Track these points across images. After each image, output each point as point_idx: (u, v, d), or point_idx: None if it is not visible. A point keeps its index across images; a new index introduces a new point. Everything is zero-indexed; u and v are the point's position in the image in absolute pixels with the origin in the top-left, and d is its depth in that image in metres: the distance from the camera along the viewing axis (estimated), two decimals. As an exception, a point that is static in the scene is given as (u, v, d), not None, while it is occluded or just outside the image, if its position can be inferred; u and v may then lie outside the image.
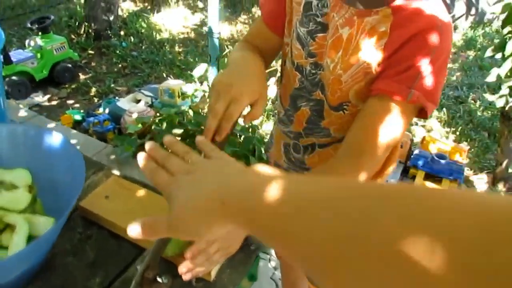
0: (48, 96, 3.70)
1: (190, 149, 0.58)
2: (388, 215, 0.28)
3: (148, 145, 0.60)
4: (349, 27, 0.80)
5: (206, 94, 3.04)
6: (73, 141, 2.93)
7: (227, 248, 0.80)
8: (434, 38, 0.72)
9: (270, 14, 0.96)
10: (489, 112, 3.86)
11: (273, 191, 0.38)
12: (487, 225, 0.24)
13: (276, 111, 1.18)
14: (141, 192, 1.02)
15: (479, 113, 3.84)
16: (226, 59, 3.53)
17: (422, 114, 0.80)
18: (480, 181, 2.97)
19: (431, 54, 0.73)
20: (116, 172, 1.12)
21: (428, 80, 0.74)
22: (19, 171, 0.89)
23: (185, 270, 0.75)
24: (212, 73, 2.31)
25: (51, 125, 3.08)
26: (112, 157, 2.81)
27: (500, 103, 2.56)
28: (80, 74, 4.13)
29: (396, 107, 0.76)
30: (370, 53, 0.79)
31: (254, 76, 0.80)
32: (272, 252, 2.24)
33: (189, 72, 3.91)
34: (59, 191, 0.88)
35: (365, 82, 0.82)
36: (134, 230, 0.50)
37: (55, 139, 0.90)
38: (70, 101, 3.67)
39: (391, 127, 0.78)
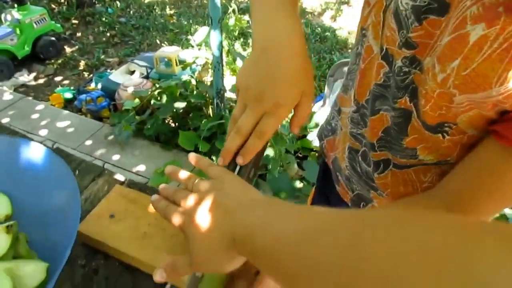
0: (33, 74, 3.41)
1: (193, 175, 0.57)
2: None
3: (161, 187, 0.58)
4: (486, 25, 0.48)
5: (209, 61, 2.77)
6: (65, 123, 2.69)
7: None
8: None
9: None
10: None
11: (272, 234, 0.41)
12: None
13: (338, 97, 0.86)
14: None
15: None
16: (232, 21, 3.22)
17: None
18: None
19: None
20: (119, 177, 0.90)
21: None
22: (-7, 198, 0.68)
23: None
24: (215, 38, 2.03)
25: (40, 106, 2.83)
26: (111, 137, 2.58)
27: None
28: (65, 47, 3.81)
29: None
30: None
31: (294, 71, 0.57)
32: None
33: (184, 36, 3.61)
34: (48, 220, 0.67)
35: (491, 113, 0.53)
36: (159, 275, 0.52)
37: (35, 151, 0.68)
38: (58, 78, 3.39)
39: None
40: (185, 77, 2.74)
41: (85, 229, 0.75)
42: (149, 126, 2.53)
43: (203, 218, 0.48)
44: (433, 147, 0.64)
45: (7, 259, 0.61)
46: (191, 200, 0.51)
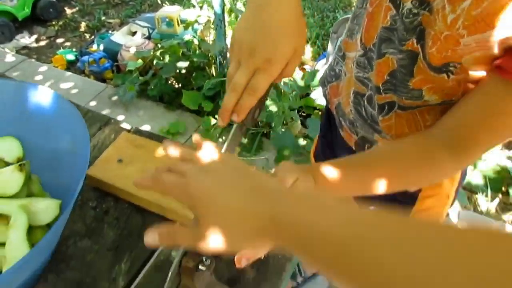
0: (34, 36, 3.38)
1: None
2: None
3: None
4: None
5: (211, 19, 2.73)
6: (69, 85, 2.70)
7: None
8: None
9: None
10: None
11: (327, 212, 0.38)
12: None
13: (342, 43, 0.85)
14: (162, 150, 0.82)
15: None
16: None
17: None
18: None
19: None
20: (126, 125, 0.92)
21: None
22: (5, 141, 0.70)
23: (244, 258, 0.58)
24: (216, -3, 2.01)
25: (43, 68, 2.82)
26: (115, 98, 2.59)
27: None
28: (65, 8, 3.76)
29: None
30: None
31: (287, 29, 0.58)
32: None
33: (185, -4, 3.55)
34: (59, 163, 0.69)
35: (497, 51, 0.55)
36: (151, 238, 0.44)
37: (45, 96, 0.69)
38: (60, 40, 3.36)
39: None
40: (187, 36, 2.71)
41: (94, 173, 0.78)
42: (152, 87, 2.53)
43: (233, 191, 0.42)
44: (438, 87, 0.65)
45: (21, 196, 0.63)
46: (197, 166, 0.46)
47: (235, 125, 0.63)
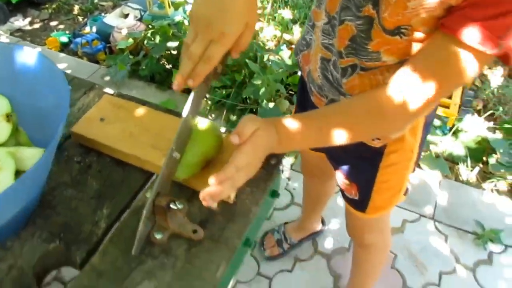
0: (28, 19, 3.42)
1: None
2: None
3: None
4: None
5: None
6: (62, 66, 2.75)
7: (253, 171, 0.69)
8: None
9: None
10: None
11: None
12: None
13: (312, 12, 0.92)
14: (140, 110, 0.89)
15: None
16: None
17: (503, 58, 0.64)
18: (496, 75, 2.81)
19: None
20: (109, 90, 0.98)
21: None
22: (-6, 99, 0.76)
23: (208, 196, 0.64)
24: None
25: (37, 50, 2.87)
26: (107, 78, 2.65)
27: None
28: (59, -9, 3.79)
29: (473, 56, 0.61)
30: None
31: (239, 5, 0.65)
32: (285, 162, 2.17)
33: (176, -22, 3.57)
34: (44, 119, 0.76)
35: (440, 11, 0.63)
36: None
37: (29, 56, 0.76)
38: (53, 23, 3.40)
39: (459, 77, 0.65)
40: (177, 18, 2.75)
41: (78, 130, 0.84)
42: (143, 67, 2.59)
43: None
44: (394, 48, 0.73)
45: (9, 145, 0.70)
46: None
47: (193, 92, 0.70)
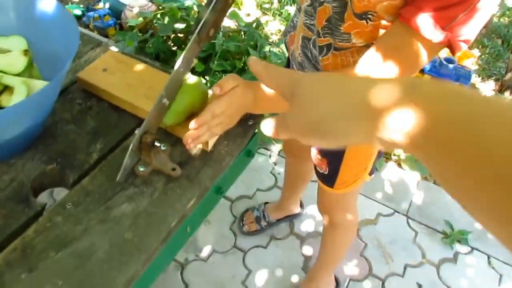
0: (45, -11, 3.54)
1: None
2: None
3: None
4: None
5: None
6: (73, 36, 2.86)
7: (228, 123, 0.81)
8: None
9: None
10: (506, 18, 3.68)
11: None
12: None
13: None
14: (140, 66, 1.00)
15: (495, 19, 3.67)
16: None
17: (450, 48, 0.75)
18: (487, 88, 2.93)
19: None
20: (114, 48, 1.10)
21: (468, 21, 0.68)
22: (14, 38, 0.87)
23: (190, 140, 0.76)
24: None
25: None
26: (109, 44, 2.75)
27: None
28: (77, -34, 3.90)
29: (423, 44, 0.72)
30: None
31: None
32: (273, 148, 2.29)
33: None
34: (55, 61, 0.86)
35: (399, 1, 0.74)
36: (266, 127, 0.48)
37: (48, 5, 0.87)
38: (69, -4, 3.51)
39: (412, 62, 0.76)
40: (188, 2, 2.87)
41: (83, 76, 0.96)
42: (150, 45, 2.70)
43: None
44: (362, 32, 0.84)
45: (24, 76, 0.82)
46: None
47: (191, 40, 0.81)
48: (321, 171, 1.20)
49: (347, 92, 0.40)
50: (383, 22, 0.81)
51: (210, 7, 0.78)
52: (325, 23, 0.90)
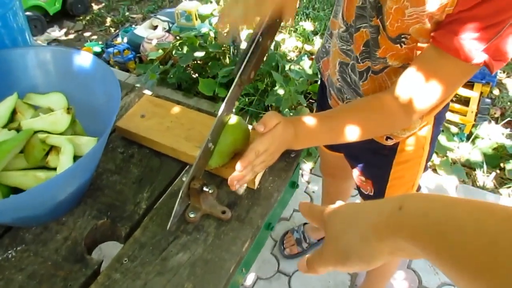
0: (64, 30, 3.64)
1: None
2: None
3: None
4: None
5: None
6: (96, 73, 2.92)
7: (270, 160, 0.80)
8: None
9: None
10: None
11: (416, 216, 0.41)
12: None
13: (330, 22, 1.03)
14: (176, 109, 1.00)
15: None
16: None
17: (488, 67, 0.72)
18: (513, 83, 2.85)
19: None
20: (147, 92, 1.10)
21: (503, 42, 0.66)
22: (54, 95, 0.89)
23: (234, 180, 0.75)
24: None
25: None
26: (139, 86, 2.79)
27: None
28: (92, 4, 4.01)
29: (456, 67, 0.71)
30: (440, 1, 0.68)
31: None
32: (304, 167, 2.26)
33: (203, -8, 3.74)
34: (96, 113, 0.87)
35: (431, 24, 0.72)
36: (302, 266, 0.54)
37: (85, 59, 0.88)
38: (87, 34, 3.60)
39: (448, 84, 0.74)
40: (204, 29, 2.90)
41: (122, 125, 0.96)
42: (171, 75, 2.73)
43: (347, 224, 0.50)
44: (397, 54, 0.82)
45: (68, 134, 0.82)
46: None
47: (234, 83, 0.81)
48: (366, 192, 1.17)
49: (361, 220, 0.47)
50: (419, 44, 0.79)
51: (251, 49, 0.77)
52: (363, 48, 0.88)
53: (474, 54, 0.68)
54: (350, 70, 0.96)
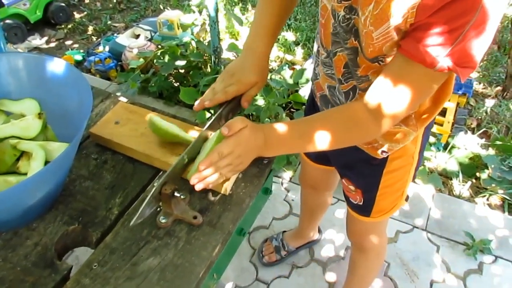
0: (45, 38, 3.61)
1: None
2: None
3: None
4: None
5: (206, 22, 2.94)
6: (77, 82, 2.91)
7: (237, 165, 0.80)
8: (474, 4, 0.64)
9: None
10: (500, 23, 3.71)
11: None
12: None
13: (317, 50, 1.06)
14: (148, 115, 1.01)
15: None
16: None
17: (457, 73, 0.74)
18: (489, 94, 2.93)
19: (471, 20, 0.65)
20: (123, 99, 1.11)
21: (466, 45, 0.68)
22: (26, 101, 0.89)
23: (196, 180, 0.76)
24: (211, 1, 2.21)
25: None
26: (118, 94, 2.79)
27: (511, 11, 2.44)
28: (74, 13, 4.00)
29: (422, 73, 0.73)
30: (401, 13, 0.69)
31: (255, 68, 0.95)
32: (284, 175, 2.28)
33: (186, 2, 3.77)
34: (68, 119, 0.88)
35: (399, 37, 0.74)
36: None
37: (58, 66, 0.89)
38: (68, 42, 3.58)
39: (415, 92, 0.75)
40: (186, 38, 2.91)
41: (96, 131, 0.97)
42: (153, 84, 2.73)
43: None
44: (378, 71, 0.85)
45: (39, 140, 0.83)
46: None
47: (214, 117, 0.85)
48: (355, 202, 1.18)
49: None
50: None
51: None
52: (344, 69, 0.91)
53: (438, 59, 0.70)
54: (337, 93, 0.99)
